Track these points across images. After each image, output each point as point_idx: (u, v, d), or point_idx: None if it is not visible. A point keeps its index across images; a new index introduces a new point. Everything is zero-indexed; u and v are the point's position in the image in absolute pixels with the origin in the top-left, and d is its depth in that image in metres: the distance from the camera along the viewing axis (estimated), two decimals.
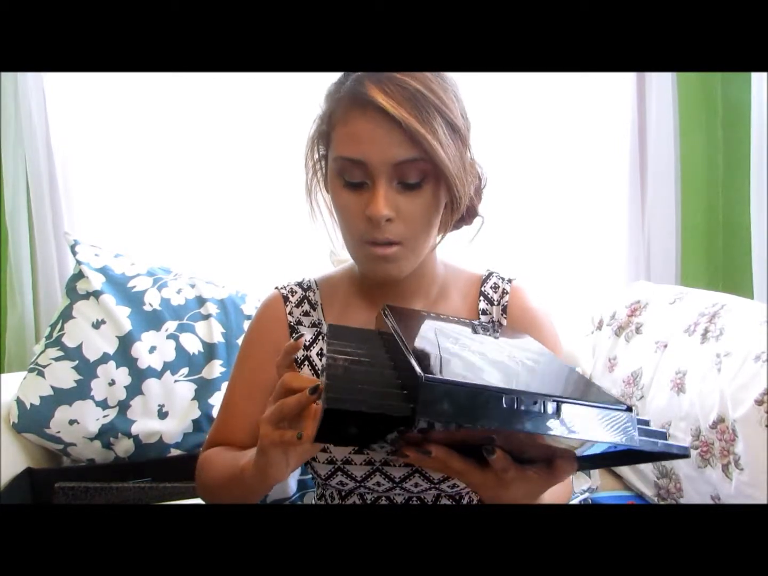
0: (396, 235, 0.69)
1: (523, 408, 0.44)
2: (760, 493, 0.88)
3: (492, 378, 0.49)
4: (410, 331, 0.60)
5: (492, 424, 0.44)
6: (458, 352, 0.56)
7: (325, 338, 0.64)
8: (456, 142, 0.68)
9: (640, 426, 0.47)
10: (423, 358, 0.50)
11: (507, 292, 0.82)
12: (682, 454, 0.49)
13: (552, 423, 0.44)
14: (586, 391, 0.50)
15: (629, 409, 0.46)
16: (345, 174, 0.69)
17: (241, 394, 0.82)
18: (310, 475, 0.97)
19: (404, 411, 0.44)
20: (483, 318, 0.82)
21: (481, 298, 0.82)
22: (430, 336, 0.62)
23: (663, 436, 0.48)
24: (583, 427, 0.45)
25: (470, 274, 0.85)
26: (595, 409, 0.45)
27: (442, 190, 0.70)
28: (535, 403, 0.44)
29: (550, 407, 0.44)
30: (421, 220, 0.70)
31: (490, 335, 0.69)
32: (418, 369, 0.44)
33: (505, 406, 0.44)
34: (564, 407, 0.45)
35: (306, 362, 0.81)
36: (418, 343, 0.57)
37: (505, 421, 0.44)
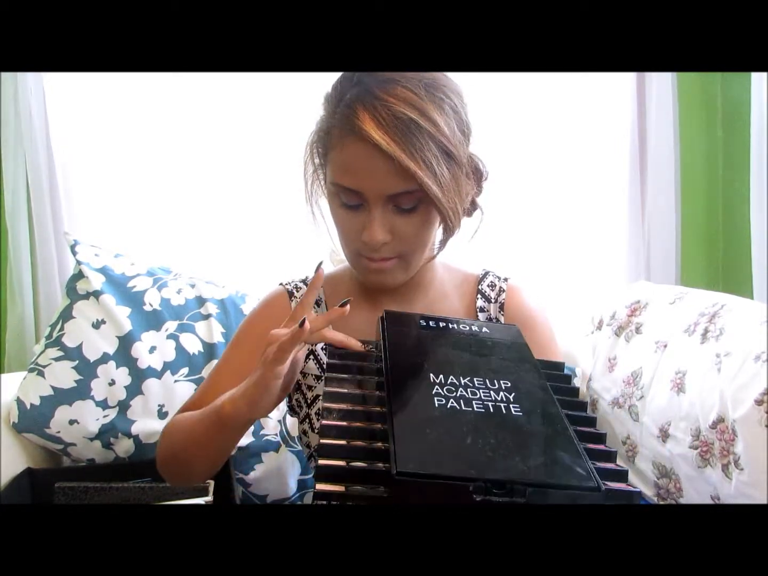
0: (392, 252, 0.71)
1: (493, 499, 0.47)
2: (760, 493, 0.88)
3: (472, 443, 0.50)
4: (404, 356, 0.61)
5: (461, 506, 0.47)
6: (445, 394, 0.56)
7: (325, 368, 0.65)
8: (451, 167, 0.68)
9: (611, 487, 0.50)
10: (407, 408, 0.53)
11: (504, 290, 0.84)
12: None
13: (520, 505, 0.47)
14: (566, 454, 0.51)
15: (598, 488, 0.48)
16: (342, 196, 0.70)
17: (230, 374, 0.81)
18: (311, 475, 0.97)
19: (380, 492, 0.49)
20: (481, 315, 0.82)
21: (479, 296, 0.84)
22: (421, 365, 0.60)
23: (637, 497, 0.51)
24: (550, 503, 0.48)
25: (467, 274, 0.87)
26: (564, 490, 0.48)
27: (436, 210, 0.70)
28: (504, 488, 0.47)
29: (519, 494, 0.47)
30: (416, 238, 0.72)
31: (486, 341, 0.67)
32: (394, 465, 0.47)
33: (475, 498, 0.47)
34: (532, 492, 0.47)
35: (311, 356, 0.83)
36: (408, 383, 0.57)
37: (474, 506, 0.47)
